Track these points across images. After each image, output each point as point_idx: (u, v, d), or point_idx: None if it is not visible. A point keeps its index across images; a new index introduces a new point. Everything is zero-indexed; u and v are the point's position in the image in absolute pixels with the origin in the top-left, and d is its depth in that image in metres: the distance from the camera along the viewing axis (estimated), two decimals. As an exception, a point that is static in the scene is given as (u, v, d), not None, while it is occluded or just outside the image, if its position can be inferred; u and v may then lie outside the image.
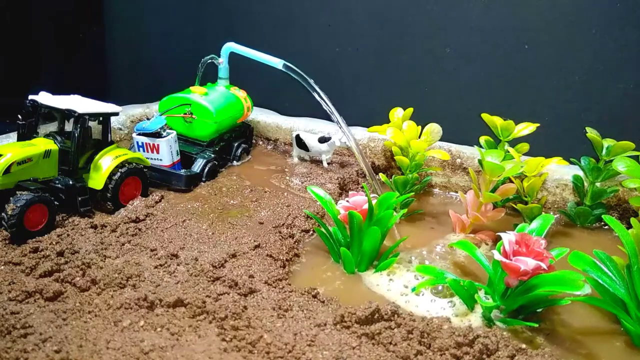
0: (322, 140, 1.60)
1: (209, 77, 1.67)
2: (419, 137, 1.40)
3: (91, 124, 1.26)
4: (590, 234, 1.37)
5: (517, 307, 0.97)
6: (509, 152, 1.30)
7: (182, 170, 1.45)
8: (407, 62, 1.72)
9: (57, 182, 1.22)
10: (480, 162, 1.22)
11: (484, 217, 1.27)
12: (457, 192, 1.55)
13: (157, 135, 1.43)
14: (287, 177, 1.56)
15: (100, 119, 1.29)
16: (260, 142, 1.85)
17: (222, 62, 1.64)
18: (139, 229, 1.19)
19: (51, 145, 1.20)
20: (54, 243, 1.09)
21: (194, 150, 1.53)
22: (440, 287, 1.05)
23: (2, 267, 1.02)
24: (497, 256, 0.94)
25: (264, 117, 1.84)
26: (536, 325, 0.93)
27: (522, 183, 1.34)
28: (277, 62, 1.50)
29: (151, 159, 1.42)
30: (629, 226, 1.00)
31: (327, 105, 1.43)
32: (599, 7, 1.45)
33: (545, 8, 1.50)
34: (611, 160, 1.25)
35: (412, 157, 1.38)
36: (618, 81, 1.48)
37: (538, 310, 0.99)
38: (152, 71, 2.14)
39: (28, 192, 1.12)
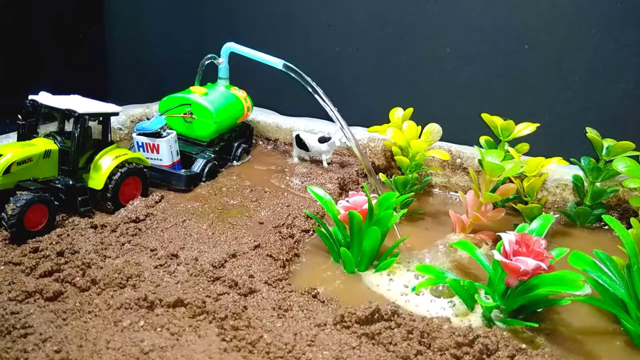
0: (322, 140, 1.60)
1: (209, 77, 1.67)
2: (419, 137, 1.40)
3: (91, 124, 1.26)
4: (590, 234, 1.37)
5: (517, 307, 0.97)
6: (509, 152, 1.30)
7: (182, 170, 1.45)
8: (407, 62, 1.72)
9: (57, 182, 1.22)
10: (480, 162, 1.22)
11: (484, 217, 1.27)
12: (457, 192, 1.55)
13: (157, 135, 1.43)
14: (287, 177, 1.56)
15: (100, 119, 1.29)
16: (260, 142, 1.85)
17: (222, 62, 1.64)
18: (139, 229, 1.19)
19: (51, 145, 1.20)
20: (54, 243, 1.09)
21: (194, 150, 1.53)
22: (440, 287, 1.05)
23: (2, 267, 1.02)
24: (497, 256, 0.94)
25: (264, 117, 1.84)
26: (536, 325, 0.93)
27: (522, 183, 1.34)
28: (277, 62, 1.50)
29: (151, 159, 1.42)
30: (629, 226, 1.00)
31: (327, 105, 1.43)
32: (599, 7, 1.45)
33: (545, 8, 1.50)
34: (611, 160, 1.25)
35: (412, 157, 1.38)
36: (618, 81, 1.48)
37: (538, 310, 0.99)
38: (152, 71, 2.14)
39: (28, 192, 1.12)
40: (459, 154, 1.56)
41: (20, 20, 1.82)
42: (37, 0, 1.82)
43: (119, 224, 1.20)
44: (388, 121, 1.44)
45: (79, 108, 1.21)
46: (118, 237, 1.15)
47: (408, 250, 1.23)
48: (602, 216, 1.05)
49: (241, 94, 1.68)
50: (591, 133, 1.33)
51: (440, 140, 1.41)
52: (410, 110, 1.45)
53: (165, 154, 1.43)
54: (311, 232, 1.28)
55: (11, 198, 1.10)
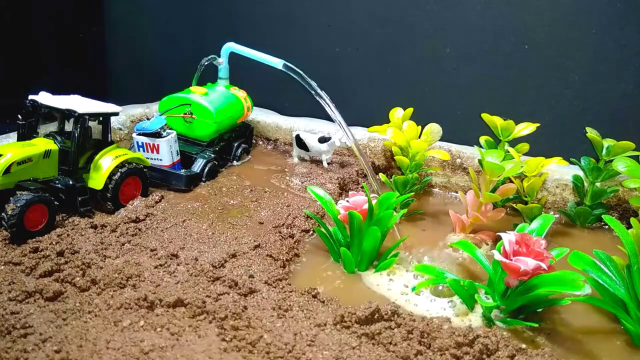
0: (322, 140, 1.60)
1: (209, 77, 1.67)
2: (419, 137, 1.40)
3: (91, 124, 1.26)
4: (590, 234, 1.37)
5: (517, 307, 0.97)
6: (509, 152, 1.30)
7: (182, 170, 1.45)
8: (407, 62, 1.72)
9: (57, 182, 1.22)
10: (480, 162, 1.22)
11: (484, 217, 1.26)
12: (457, 192, 1.55)
13: (157, 135, 1.43)
14: (287, 177, 1.56)
15: (100, 119, 1.29)
16: (260, 142, 1.85)
17: (222, 62, 1.64)
18: (139, 229, 1.19)
19: (51, 145, 1.20)
20: (54, 243, 1.09)
21: (194, 150, 1.53)
22: (440, 287, 1.05)
23: (2, 267, 1.02)
24: (497, 256, 0.94)
25: (264, 117, 1.84)
26: (536, 325, 0.93)
27: (522, 183, 1.34)
28: (277, 62, 1.50)
29: (151, 159, 1.42)
30: (629, 226, 1.00)
31: (327, 105, 1.43)
32: (599, 7, 1.45)
33: (545, 8, 1.50)
34: (611, 160, 1.25)
35: (412, 157, 1.38)
36: (618, 81, 1.48)
37: (538, 310, 0.99)
38: (152, 71, 2.14)
39: (28, 192, 1.12)
40: (459, 154, 1.56)
41: (20, 20, 1.82)
42: (37, 0, 1.82)
43: (119, 224, 1.20)
44: (388, 121, 1.44)
45: (79, 108, 1.21)
46: (118, 237, 1.15)
47: (408, 250, 1.23)
48: (602, 216, 1.05)
49: (241, 94, 1.68)
50: (591, 133, 1.33)
51: (440, 140, 1.41)
52: (410, 110, 1.45)
53: (165, 154, 1.43)
54: (311, 232, 1.28)
55: (11, 198, 1.10)
